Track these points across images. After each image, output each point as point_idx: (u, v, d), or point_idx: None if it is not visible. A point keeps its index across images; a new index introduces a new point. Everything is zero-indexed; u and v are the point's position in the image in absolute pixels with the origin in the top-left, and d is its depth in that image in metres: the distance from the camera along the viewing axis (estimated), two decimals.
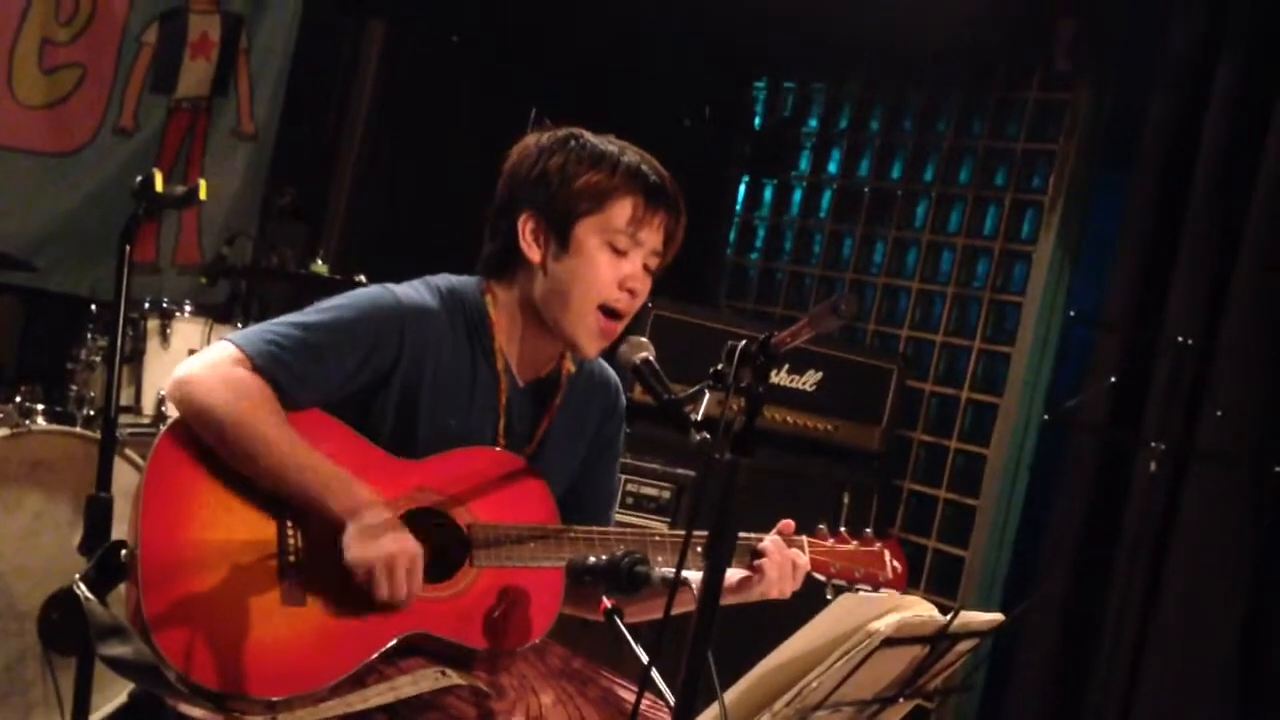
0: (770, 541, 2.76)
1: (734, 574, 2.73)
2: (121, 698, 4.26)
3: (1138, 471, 4.86)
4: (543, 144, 2.72)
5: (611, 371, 2.88)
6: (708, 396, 2.28)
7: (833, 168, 6.71)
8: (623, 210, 2.66)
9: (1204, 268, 4.89)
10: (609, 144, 2.71)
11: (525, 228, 2.68)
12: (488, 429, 2.70)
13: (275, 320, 2.60)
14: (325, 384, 2.56)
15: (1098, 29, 5.55)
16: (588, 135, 2.73)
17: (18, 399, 4.30)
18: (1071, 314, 5.64)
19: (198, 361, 2.55)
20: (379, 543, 2.46)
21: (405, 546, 2.48)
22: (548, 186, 2.66)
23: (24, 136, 5.47)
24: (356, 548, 2.46)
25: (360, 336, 2.57)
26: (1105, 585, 4.96)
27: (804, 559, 2.78)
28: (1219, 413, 4.68)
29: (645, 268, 2.71)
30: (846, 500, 5.20)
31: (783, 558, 2.74)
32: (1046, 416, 5.55)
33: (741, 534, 2.70)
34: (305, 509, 2.51)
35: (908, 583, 2.93)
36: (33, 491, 4.21)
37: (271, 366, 2.52)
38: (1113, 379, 4.88)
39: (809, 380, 5.27)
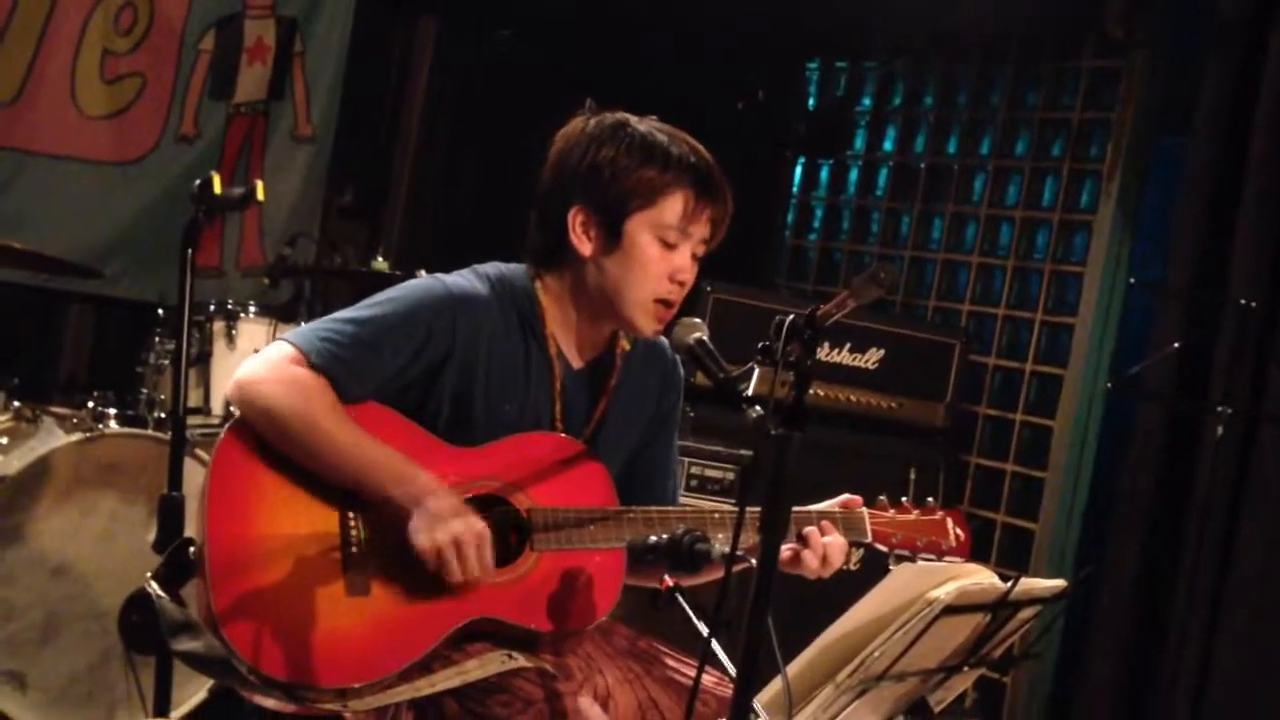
0: (811, 531, 2.75)
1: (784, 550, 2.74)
2: (201, 694, 4.33)
3: (1205, 437, 4.82)
4: (590, 132, 2.72)
5: (668, 346, 2.88)
6: (757, 373, 2.30)
7: (888, 145, 6.69)
8: (674, 205, 2.67)
9: (1265, 230, 4.84)
10: (658, 133, 2.71)
11: (575, 221, 2.70)
12: (544, 413, 2.73)
13: (329, 317, 2.65)
14: (381, 376, 2.60)
15: None
16: (634, 122, 2.72)
17: (90, 404, 4.38)
18: (1133, 282, 5.60)
19: (256, 363, 2.60)
20: (446, 526, 2.50)
21: (471, 526, 2.52)
22: (599, 180, 2.67)
23: (88, 147, 5.57)
24: (424, 533, 2.50)
25: (413, 328, 2.61)
26: (1177, 552, 4.92)
27: (840, 543, 2.76)
28: None
29: (693, 255, 2.73)
30: (913, 477, 5.19)
31: (816, 546, 2.74)
32: (1110, 386, 5.51)
33: (797, 508, 2.72)
34: (370, 499, 2.55)
35: (975, 555, 2.93)
36: (108, 494, 4.29)
37: (328, 363, 2.56)
38: (1176, 345, 4.84)
39: (872, 358, 5.26)
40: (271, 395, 2.54)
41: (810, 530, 2.73)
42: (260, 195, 3.52)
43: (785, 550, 2.71)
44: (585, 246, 2.70)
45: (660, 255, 2.68)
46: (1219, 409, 4.55)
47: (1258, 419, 4.72)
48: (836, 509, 2.81)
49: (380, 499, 2.54)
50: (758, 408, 2.30)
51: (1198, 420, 4.90)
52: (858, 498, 2.85)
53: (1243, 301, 4.59)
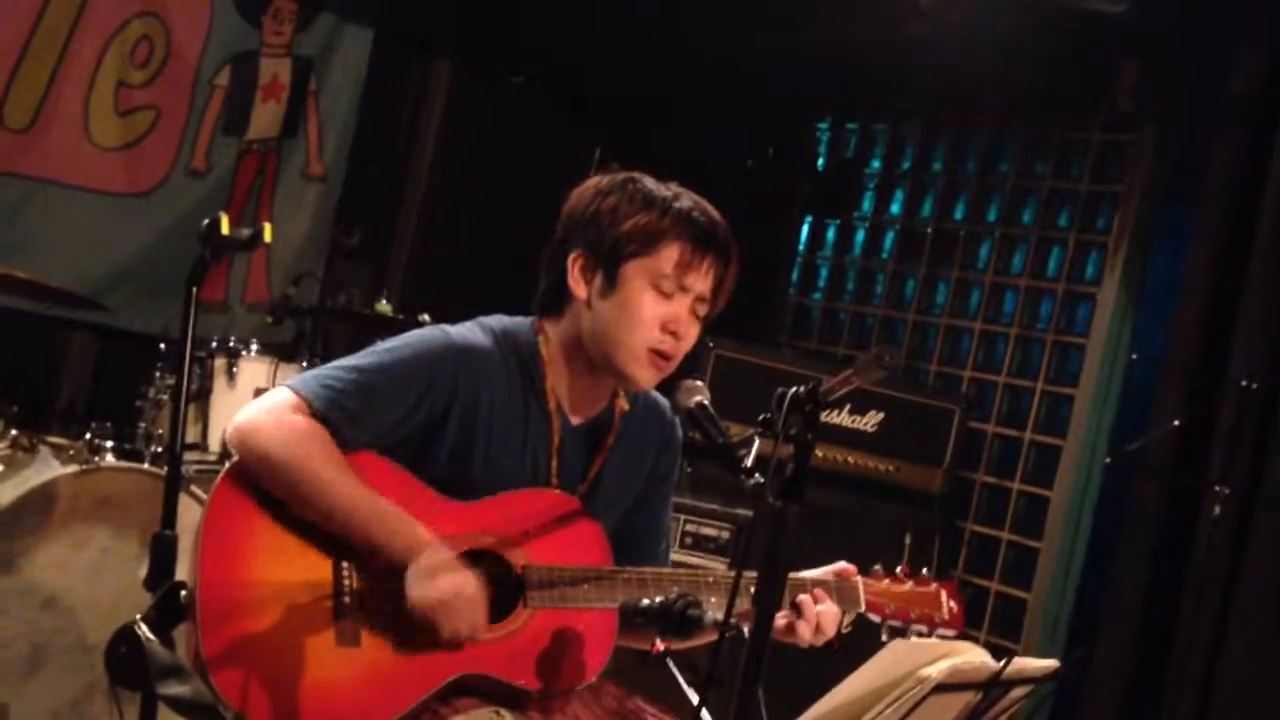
0: (805, 599, 2.74)
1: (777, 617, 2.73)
2: None
3: (1202, 516, 4.81)
4: (600, 186, 2.74)
5: (667, 406, 2.88)
6: (758, 443, 2.30)
7: (895, 208, 6.72)
8: (670, 254, 2.67)
9: (1269, 310, 4.85)
10: (665, 189, 2.72)
11: (574, 265, 2.71)
12: (541, 469, 2.72)
13: (332, 364, 2.64)
14: (381, 425, 2.59)
15: (1161, 70, 5.53)
16: (645, 179, 2.74)
17: (88, 436, 4.37)
18: (1135, 356, 5.60)
19: (256, 409, 2.59)
20: (439, 582, 2.49)
21: (466, 585, 2.51)
22: (599, 226, 2.69)
23: (99, 177, 5.58)
24: (418, 588, 2.49)
25: (415, 378, 2.60)
26: (1170, 630, 4.91)
27: (834, 612, 2.75)
28: None
29: (693, 314, 2.72)
30: (909, 541, 5.18)
31: (810, 615, 2.73)
32: (1110, 459, 5.51)
33: (792, 575, 2.71)
34: (365, 551, 2.54)
35: (968, 623, 2.92)
36: (101, 527, 4.26)
37: (328, 410, 2.56)
38: (1176, 422, 4.84)
39: (871, 421, 5.27)
40: (270, 442, 2.54)
41: (804, 599, 2.72)
42: (268, 237, 3.51)
43: (779, 618, 2.70)
44: (581, 289, 2.71)
45: (653, 302, 2.67)
46: (1217, 488, 4.54)
47: (1256, 500, 4.70)
48: (831, 577, 2.80)
49: (376, 550, 2.53)
50: (757, 475, 2.30)
51: (1196, 498, 4.89)
52: (852, 567, 2.84)
53: (1244, 383, 4.58)
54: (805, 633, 2.70)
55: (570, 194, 2.79)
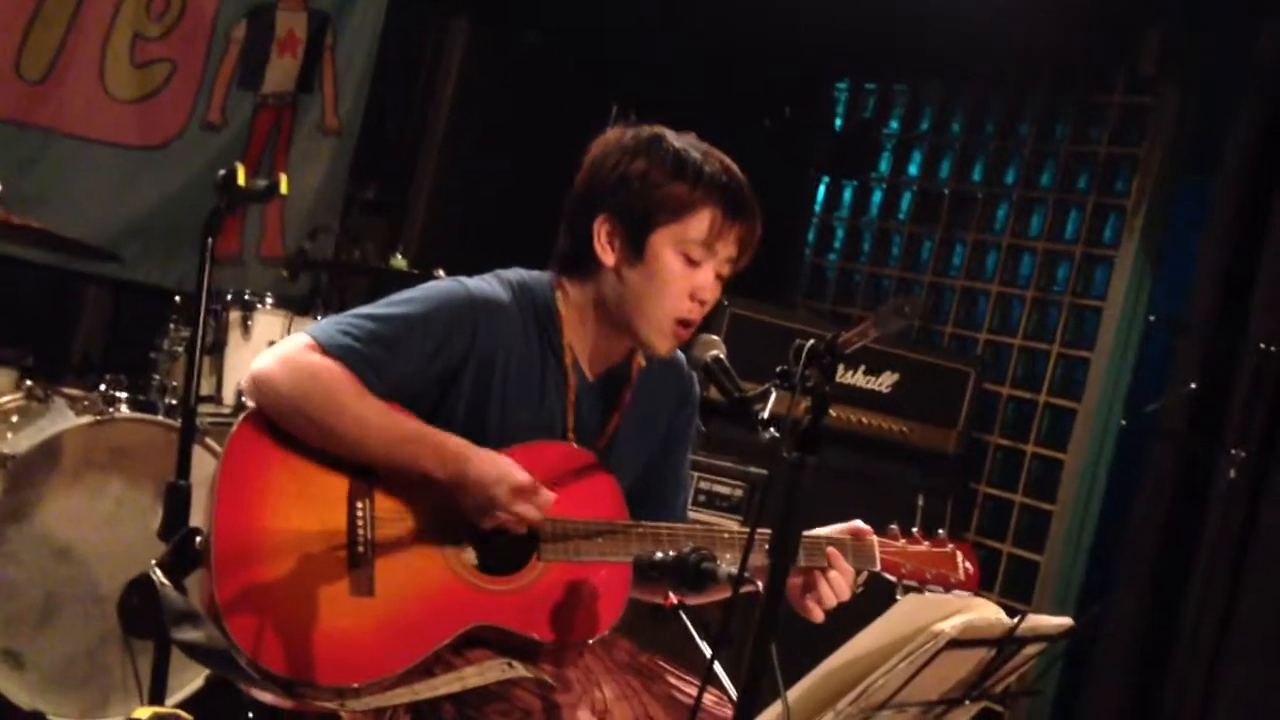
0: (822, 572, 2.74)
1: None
2: (199, 683, 4.32)
3: (1217, 479, 4.80)
4: (625, 144, 2.70)
5: (685, 361, 2.87)
6: (775, 395, 2.29)
7: (913, 170, 6.69)
8: (700, 222, 2.65)
9: None
10: (691, 149, 2.69)
11: (601, 230, 2.68)
12: (557, 423, 2.71)
13: (349, 313, 2.63)
14: (397, 375, 2.58)
15: (1183, 34, 5.49)
16: (670, 137, 2.71)
17: (102, 387, 4.37)
18: (1152, 319, 5.58)
19: (272, 354, 2.58)
20: (500, 475, 2.51)
21: (521, 473, 2.52)
22: (628, 191, 2.66)
23: (114, 130, 5.58)
24: (476, 491, 2.50)
25: (433, 329, 2.59)
26: (1183, 593, 4.91)
27: (845, 591, 2.75)
28: None
29: (718, 275, 2.71)
30: (921, 503, 5.18)
31: (843, 568, 2.73)
32: (1125, 422, 5.50)
33: (808, 533, 2.70)
34: (400, 473, 2.53)
35: (980, 585, 2.91)
36: (115, 478, 4.28)
37: (345, 353, 2.54)
38: (1193, 385, 4.82)
39: (885, 381, 5.25)
40: (289, 381, 2.52)
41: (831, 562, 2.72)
42: (284, 189, 3.51)
43: (794, 581, 2.71)
44: (609, 256, 2.69)
45: (682, 271, 2.66)
46: (1233, 451, 4.53)
47: (1271, 464, 4.69)
48: (846, 535, 2.79)
49: (413, 471, 2.52)
50: (773, 430, 2.29)
51: (1210, 462, 4.88)
52: (868, 527, 2.83)
53: (1262, 345, 4.56)
54: (826, 591, 2.69)
55: (592, 147, 2.75)
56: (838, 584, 2.71)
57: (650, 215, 2.64)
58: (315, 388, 2.52)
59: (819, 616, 2.71)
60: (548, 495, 2.55)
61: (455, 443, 2.55)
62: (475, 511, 2.53)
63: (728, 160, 2.72)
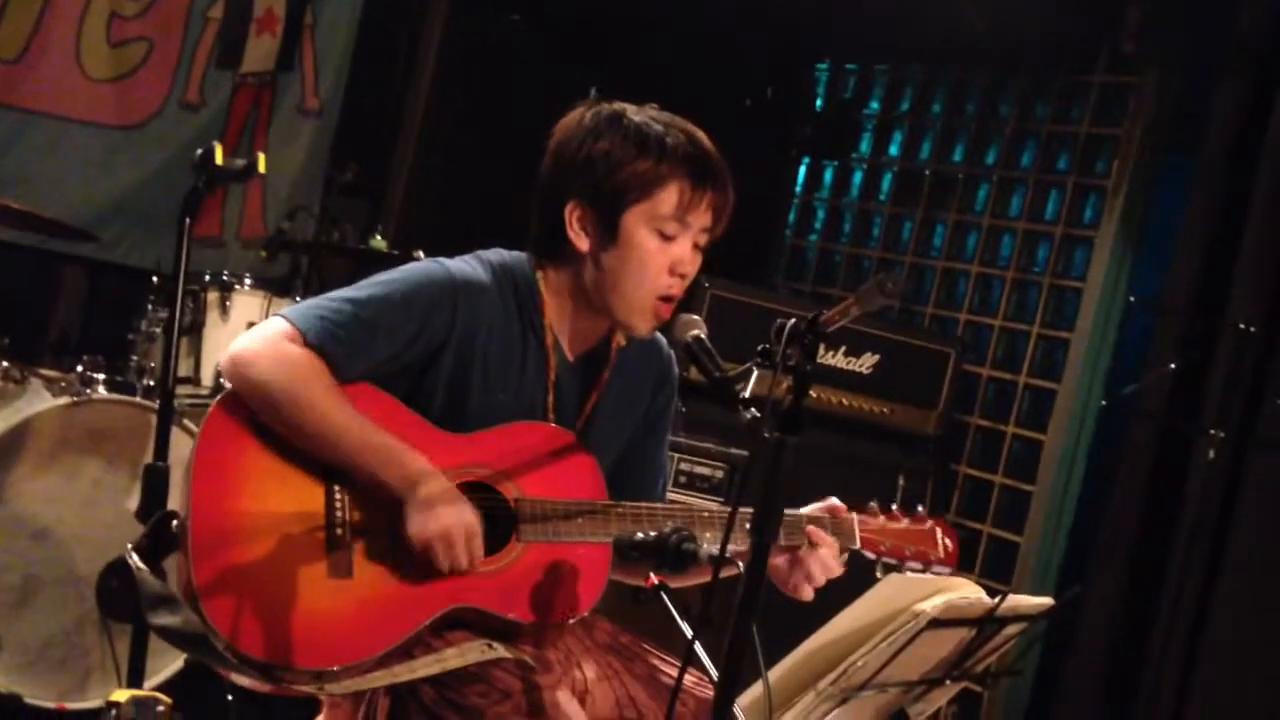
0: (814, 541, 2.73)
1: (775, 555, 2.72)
2: (178, 665, 4.31)
3: (1196, 459, 4.81)
4: (587, 125, 2.68)
5: (664, 342, 2.87)
6: (756, 374, 2.28)
7: (894, 150, 6.68)
8: (670, 196, 2.63)
9: (1267, 254, 4.82)
10: (653, 123, 2.67)
11: (572, 216, 2.67)
12: (538, 403, 2.70)
13: (327, 295, 2.61)
14: (377, 357, 2.57)
15: (1164, 13, 5.48)
16: (631, 113, 2.69)
17: (79, 368, 4.35)
18: (1132, 300, 5.59)
19: (250, 338, 2.56)
20: (437, 514, 2.48)
21: (463, 517, 2.50)
22: (594, 174, 2.64)
23: (91, 109, 5.54)
24: (417, 519, 2.48)
25: (413, 310, 2.58)
26: (1161, 574, 4.92)
27: (835, 563, 2.75)
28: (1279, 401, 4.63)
29: (695, 245, 2.70)
30: (902, 484, 5.18)
31: (827, 543, 2.72)
32: (1104, 403, 5.50)
33: (788, 511, 2.69)
34: (362, 481, 2.52)
35: (960, 566, 2.92)
36: (93, 460, 4.27)
37: (324, 340, 2.53)
38: (1172, 365, 4.83)
39: (866, 362, 5.25)
40: (265, 371, 2.51)
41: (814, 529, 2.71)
42: (262, 167, 3.51)
43: (779, 561, 2.70)
44: (583, 242, 2.67)
45: (659, 248, 2.65)
46: (1212, 432, 4.54)
47: (1250, 444, 4.70)
48: (824, 514, 2.79)
49: (372, 482, 2.52)
50: (754, 410, 2.28)
51: (1190, 442, 4.89)
52: (842, 504, 2.83)
53: (1242, 325, 4.57)
54: (816, 567, 2.68)
55: (555, 130, 2.73)
56: (827, 559, 2.71)
57: (619, 196, 2.63)
58: (291, 382, 2.50)
59: (809, 594, 2.70)
60: (478, 549, 2.52)
61: (416, 467, 2.52)
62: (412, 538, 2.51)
63: (691, 128, 2.70)
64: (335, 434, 2.51)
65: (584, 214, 2.66)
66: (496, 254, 2.74)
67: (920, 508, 2.92)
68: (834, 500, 2.83)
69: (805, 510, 2.77)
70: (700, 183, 2.65)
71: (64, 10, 5.37)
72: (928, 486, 5.26)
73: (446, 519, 2.48)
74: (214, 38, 5.79)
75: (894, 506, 2.89)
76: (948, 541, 2.89)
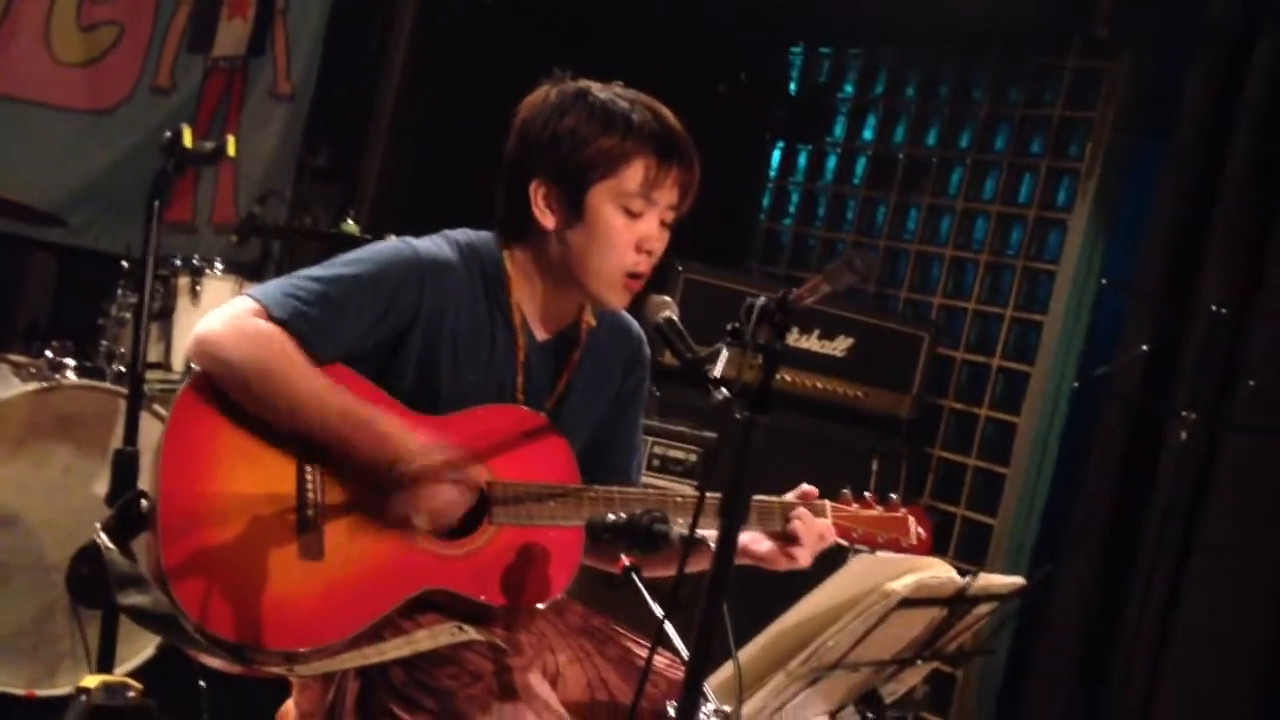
0: (800, 518, 2.73)
1: (762, 542, 2.72)
2: (150, 651, 4.30)
3: (1168, 441, 4.82)
4: (551, 102, 2.68)
5: (634, 323, 2.86)
6: (726, 355, 2.27)
7: (868, 134, 6.67)
8: (635, 173, 2.63)
9: (1239, 237, 4.84)
10: (619, 100, 2.66)
11: (537, 194, 2.66)
12: (507, 384, 2.69)
13: (294, 274, 2.60)
14: (346, 337, 2.56)
15: None
16: (596, 90, 2.68)
17: (48, 354, 4.32)
18: (1105, 282, 5.60)
19: (216, 317, 2.54)
20: (440, 489, 2.51)
21: (447, 497, 2.52)
22: (558, 151, 2.63)
23: (60, 94, 5.50)
24: (402, 502, 2.50)
25: (380, 289, 2.56)
26: (1134, 554, 4.94)
27: (830, 530, 2.75)
28: (1251, 383, 4.64)
29: (662, 222, 2.69)
30: (875, 467, 5.19)
31: (811, 531, 2.72)
32: (1077, 385, 5.52)
33: (760, 497, 2.69)
34: (334, 451, 2.51)
35: (933, 549, 2.92)
36: (62, 445, 4.24)
37: (291, 318, 2.51)
38: (1145, 347, 4.84)
39: (840, 346, 5.25)
40: (232, 347, 2.49)
41: (799, 515, 2.71)
42: (231, 151, 3.49)
43: (759, 544, 2.70)
44: (548, 220, 2.66)
45: (625, 225, 2.64)
46: (1184, 413, 4.55)
47: (1222, 425, 4.71)
48: (797, 500, 2.78)
49: (345, 449, 2.49)
50: (724, 390, 2.28)
51: (1162, 423, 4.90)
52: (814, 489, 2.82)
53: (1214, 307, 4.58)
54: (809, 534, 2.68)
55: (520, 108, 2.73)
56: (820, 525, 2.72)
57: (584, 173, 2.62)
58: (260, 356, 2.48)
59: (807, 561, 2.71)
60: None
61: (393, 444, 2.51)
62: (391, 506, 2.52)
63: (657, 105, 2.69)
64: (311, 406, 2.49)
65: (549, 191, 2.65)
66: (463, 233, 2.73)
67: (893, 495, 2.92)
68: (806, 486, 2.82)
69: (777, 499, 2.76)
70: (666, 159, 2.64)
71: None
72: (901, 469, 5.27)
73: (435, 499, 2.51)
74: (185, 21, 5.76)
75: (867, 494, 2.89)
76: (921, 530, 2.89)
